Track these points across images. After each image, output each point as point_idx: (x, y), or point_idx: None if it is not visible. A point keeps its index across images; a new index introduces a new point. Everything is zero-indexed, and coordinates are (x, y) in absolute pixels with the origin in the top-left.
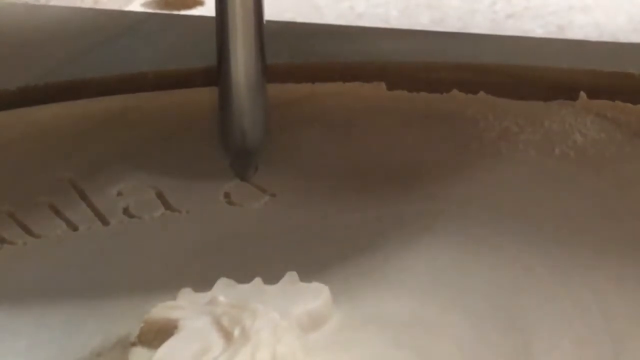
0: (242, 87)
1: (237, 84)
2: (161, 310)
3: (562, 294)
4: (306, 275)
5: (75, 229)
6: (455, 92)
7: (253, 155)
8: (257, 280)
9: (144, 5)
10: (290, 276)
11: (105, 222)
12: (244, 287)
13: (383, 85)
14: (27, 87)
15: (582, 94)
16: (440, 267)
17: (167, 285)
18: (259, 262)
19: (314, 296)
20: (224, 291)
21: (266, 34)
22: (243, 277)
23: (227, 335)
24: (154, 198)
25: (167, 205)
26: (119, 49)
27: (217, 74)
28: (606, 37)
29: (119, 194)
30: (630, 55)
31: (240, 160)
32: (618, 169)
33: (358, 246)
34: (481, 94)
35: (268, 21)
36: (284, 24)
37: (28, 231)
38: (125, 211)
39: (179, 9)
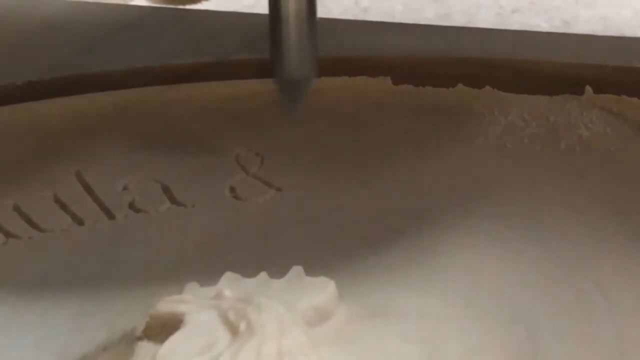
0: (292, 17)
1: (286, 14)
2: (167, 304)
3: (567, 288)
4: (312, 270)
5: (80, 223)
6: (460, 86)
7: (303, 86)
8: (263, 275)
9: None
10: (296, 270)
11: (110, 216)
12: (250, 281)
13: (389, 79)
14: (32, 82)
15: (588, 88)
16: (446, 261)
17: (173, 279)
18: (264, 256)
19: (319, 290)
20: (229, 285)
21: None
22: (249, 271)
23: (233, 330)
24: (160, 192)
25: (172, 200)
26: (125, 43)
27: (268, 4)
28: (612, 32)
29: (125, 188)
30: (636, 50)
31: (290, 92)
32: (624, 163)
33: (364, 240)
34: (486, 88)
35: None
36: None
37: (33, 225)
38: (131, 205)
39: (184, 4)
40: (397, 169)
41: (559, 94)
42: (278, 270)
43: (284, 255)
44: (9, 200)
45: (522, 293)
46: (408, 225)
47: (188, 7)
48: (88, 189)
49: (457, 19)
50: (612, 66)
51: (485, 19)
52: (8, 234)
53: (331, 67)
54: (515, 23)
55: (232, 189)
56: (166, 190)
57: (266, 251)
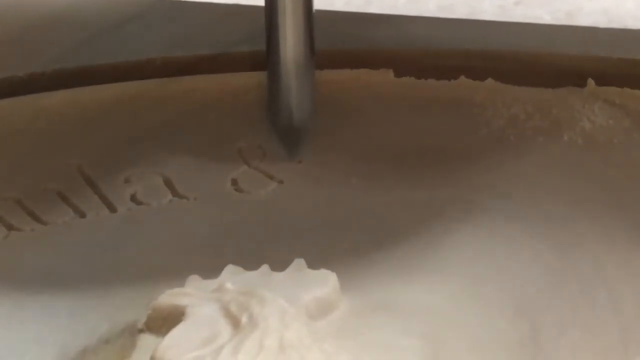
0: (290, 65)
1: (284, 62)
2: (169, 297)
3: (570, 281)
4: (314, 262)
5: (83, 215)
6: (463, 78)
7: (301, 133)
8: (265, 267)
9: None
10: (298, 263)
11: (113, 209)
12: (252, 274)
13: (391, 72)
14: (35, 74)
15: (591, 80)
16: (449, 254)
17: (175, 272)
18: (266, 249)
19: (321, 283)
20: (231, 278)
21: None
22: (251, 264)
23: (235, 322)
24: (162, 185)
25: (174, 192)
26: (127, 36)
27: (265, 52)
28: (615, 24)
29: (127, 180)
30: (639, 42)
31: (288, 138)
32: (626, 155)
33: (366, 233)
34: (489, 80)
35: None
36: None
37: (36, 218)
38: (133, 198)
39: None
40: (400, 162)
41: (561, 87)
42: (280, 262)
43: (286, 248)
44: (12, 193)
45: (525, 286)
46: (411, 218)
47: None
48: (90, 182)
49: (460, 11)
50: (615, 58)
51: (488, 11)
52: (10, 227)
53: (333, 59)
54: (518, 15)
55: (234, 182)
56: (168, 182)
57: (268, 244)
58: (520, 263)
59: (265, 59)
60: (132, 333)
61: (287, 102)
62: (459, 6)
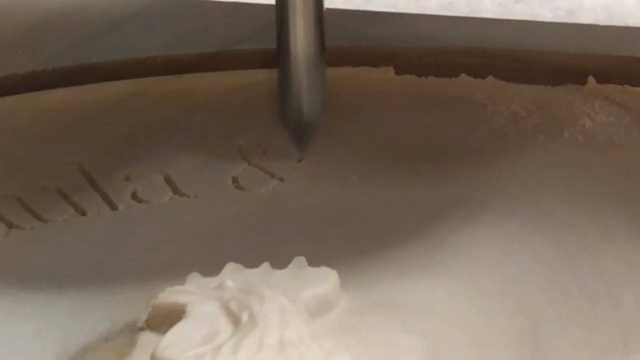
0: (301, 61)
1: (295, 59)
2: (169, 294)
3: (570, 278)
4: (314, 260)
5: (83, 213)
6: (463, 76)
7: (311, 129)
8: (265, 265)
9: None
10: (299, 261)
11: (113, 206)
12: (252, 271)
13: (391, 69)
14: (35, 72)
15: (591, 78)
16: (449, 251)
17: (175, 269)
18: (267, 246)
19: (322, 281)
20: (232, 276)
21: (272, 21)
22: (251, 261)
23: (235, 320)
24: (162, 182)
25: (175, 190)
26: (127, 34)
27: (276, 49)
28: (615, 21)
29: (127, 178)
30: (639, 40)
31: (299, 134)
32: (626, 152)
33: (366, 230)
34: (489, 78)
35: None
36: None
37: (36, 216)
38: (134, 196)
39: None
40: (400, 160)
41: (562, 84)
42: (280, 260)
43: (286, 246)
44: (12, 191)
45: (525, 283)
46: (411, 216)
47: None
48: (90, 180)
49: (460, 9)
50: (615, 56)
51: (489, 9)
52: (11, 225)
53: (334, 57)
54: (519, 13)
55: (235, 180)
56: (169, 180)
57: (269, 241)
58: (520, 260)
59: (267, 57)
60: (132, 331)
61: (297, 98)
62: (460, 4)
